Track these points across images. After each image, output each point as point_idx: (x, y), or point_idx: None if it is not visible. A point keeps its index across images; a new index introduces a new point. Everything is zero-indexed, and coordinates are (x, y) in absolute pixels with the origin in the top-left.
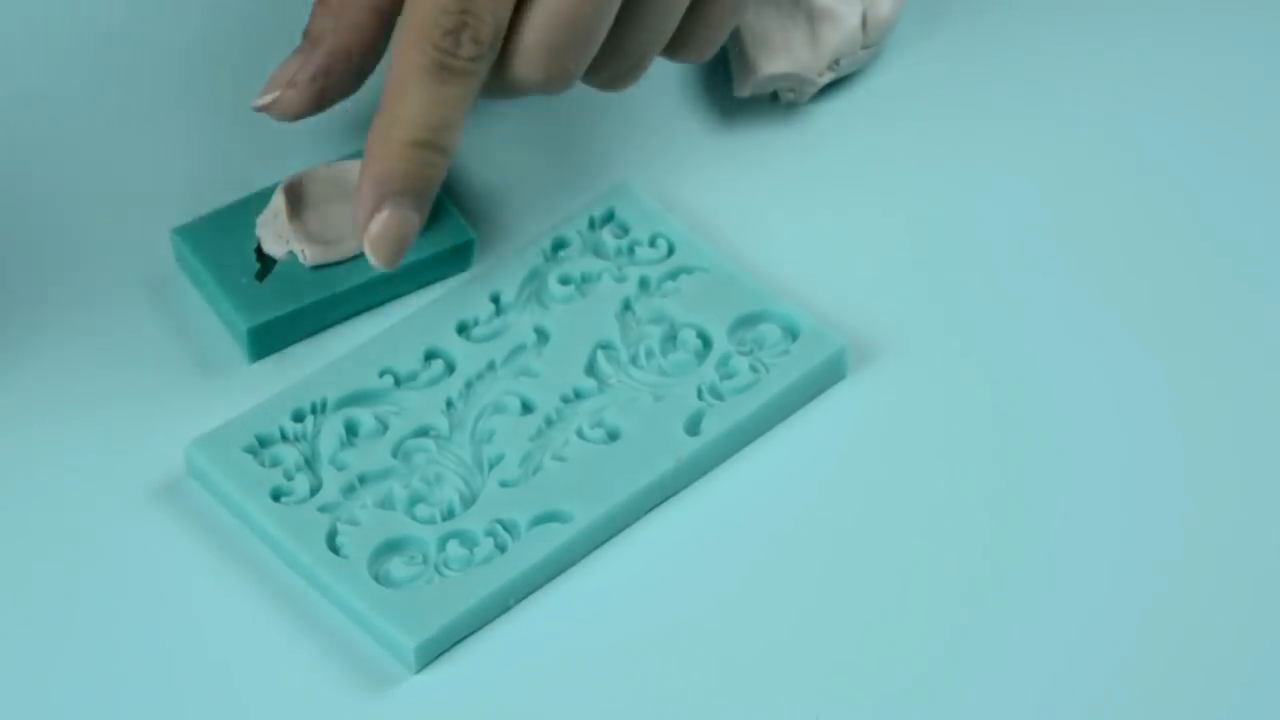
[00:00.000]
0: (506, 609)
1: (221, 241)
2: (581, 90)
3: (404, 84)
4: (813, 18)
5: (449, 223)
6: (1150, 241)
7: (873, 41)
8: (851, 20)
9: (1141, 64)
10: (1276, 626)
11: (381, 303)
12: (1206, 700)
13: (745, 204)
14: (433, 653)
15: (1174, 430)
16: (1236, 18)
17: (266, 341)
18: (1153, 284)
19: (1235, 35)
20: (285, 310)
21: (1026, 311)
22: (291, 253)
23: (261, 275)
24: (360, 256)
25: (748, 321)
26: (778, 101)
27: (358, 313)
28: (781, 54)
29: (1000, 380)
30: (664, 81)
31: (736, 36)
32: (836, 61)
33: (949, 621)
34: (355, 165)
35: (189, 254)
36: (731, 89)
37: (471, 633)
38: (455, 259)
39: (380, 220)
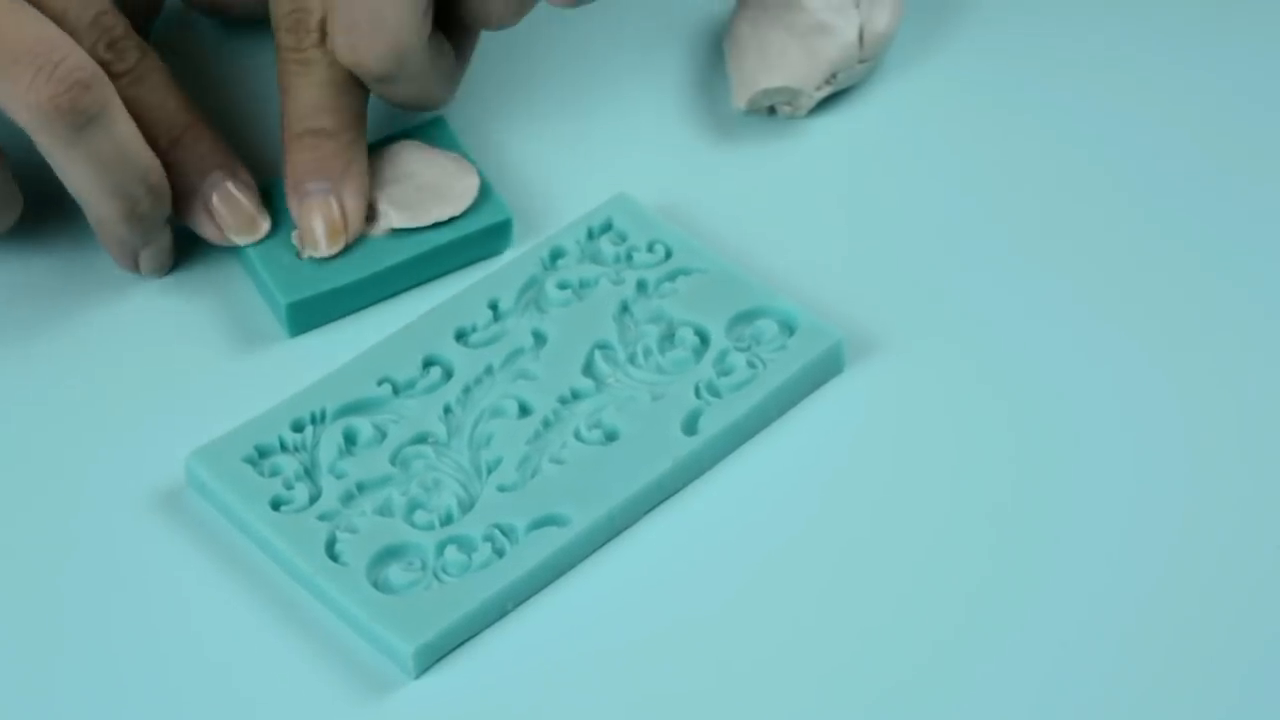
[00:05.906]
0: (505, 613)
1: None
2: (579, 103)
3: (279, 81)
4: (810, 32)
5: (487, 202)
6: (1146, 242)
7: (870, 56)
8: (848, 34)
9: (1140, 73)
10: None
11: (421, 282)
12: (1208, 700)
13: (742, 218)
14: (431, 657)
15: (1174, 424)
16: (1237, 27)
17: (306, 317)
18: (1149, 282)
19: (1235, 44)
20: (325, 287)
21: (1023, 304)
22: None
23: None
24: (400, 233)
25: (745, 318)
26: (775, 115)
27: (398, 292)
28: (778, 68)
29: (998, 372)
30: (661, 95)
31: (734, 50)
32: (833, 75)
33: (950, 619)
34: (399, 146)
35: None
36: (728, 103)
37: (470, 637)
38: (494, 238)
39: (303, 211)
